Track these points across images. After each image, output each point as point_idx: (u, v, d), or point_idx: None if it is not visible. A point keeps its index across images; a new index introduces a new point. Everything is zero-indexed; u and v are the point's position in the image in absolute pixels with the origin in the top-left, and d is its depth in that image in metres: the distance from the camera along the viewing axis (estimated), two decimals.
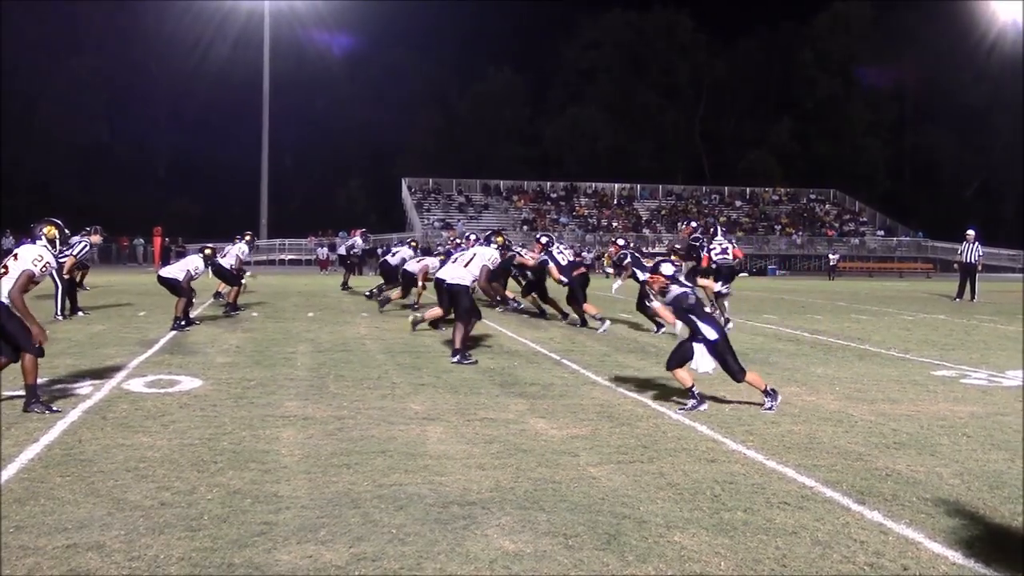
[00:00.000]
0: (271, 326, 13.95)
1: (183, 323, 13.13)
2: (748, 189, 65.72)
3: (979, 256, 24.20)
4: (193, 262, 13.69)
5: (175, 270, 13.73)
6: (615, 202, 63.44)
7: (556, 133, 75.22)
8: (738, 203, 64.40)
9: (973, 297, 23.32)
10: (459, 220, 57.54)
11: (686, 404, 7.34)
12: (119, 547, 3.97)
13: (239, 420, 6.66)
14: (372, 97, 70.63)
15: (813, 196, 66.08)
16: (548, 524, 4.43)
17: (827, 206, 65.34)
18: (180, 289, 13.26)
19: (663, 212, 61.45)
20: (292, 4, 55.72)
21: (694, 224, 15.55)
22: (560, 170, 68.95)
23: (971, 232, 24.09)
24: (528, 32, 79.57)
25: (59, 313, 14.45)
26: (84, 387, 7.88)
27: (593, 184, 64.48)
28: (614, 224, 59.06)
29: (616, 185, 64.69)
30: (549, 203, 62.35)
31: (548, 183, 64.49)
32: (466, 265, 11.31)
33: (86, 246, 15.55)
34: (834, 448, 6.11)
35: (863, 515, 4.66)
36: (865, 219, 63.34)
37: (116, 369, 8.97)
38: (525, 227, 57.88)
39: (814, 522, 4.52)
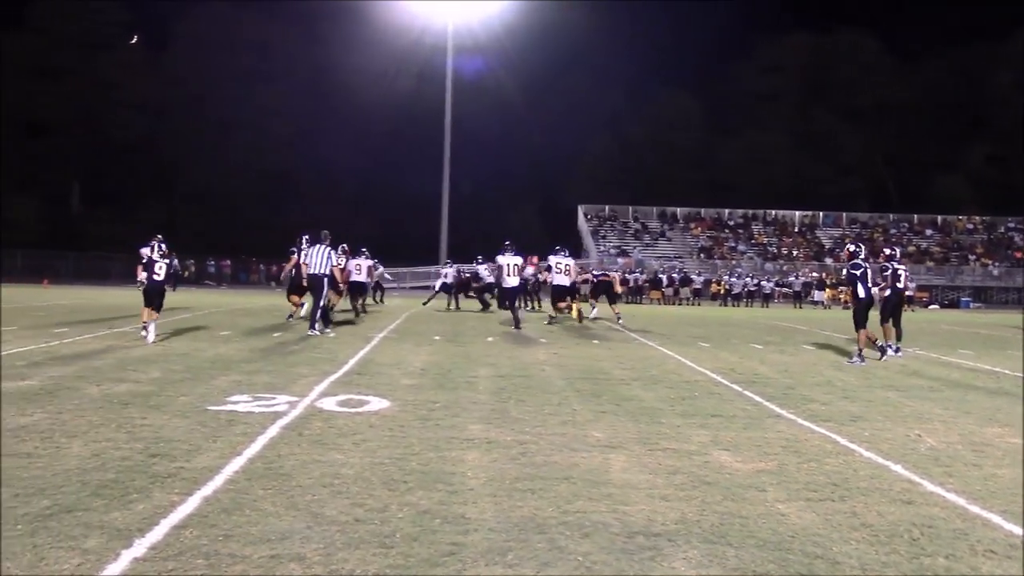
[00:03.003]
0: (452, 349, 14.28)
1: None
2: (939, 217, 62.66)
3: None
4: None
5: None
6: (796, 230, 61.78)
7: (732, 158, 74.09)
8: (928, 232, 61.50)
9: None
10: (635, 248, 57.39)
11: None
12: (318, 559, 4.15)
13: (426, 441, 6.83)
14: (547, 123, 71.59)
15: (1012, 224, 62.32)
16: (736, 560, 4.34)
17: None
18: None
19: (847, 241, 59.36)
20: (474, 35, 57.21)
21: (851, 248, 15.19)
22: (735, 195, 67.72)
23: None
24: (704, 55, 78.89)
25: (315, 326, 16.19)
26: (281, 404, 8.27)
27: (773, 211, 62.93)
28: (795, 253, 57.49)
29: (797, 212, 62.97)
30: (727, 231, 61.30)
31: (726, 211, 63.40)
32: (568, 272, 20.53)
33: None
34: None
35: None
36: None
37: (309, 388, 9.38)
38: (702, 255, 57.12)
39: None
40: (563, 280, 21.27)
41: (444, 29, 54.89)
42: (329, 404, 8.39)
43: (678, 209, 63.35)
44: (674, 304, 42.55)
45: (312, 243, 17.60)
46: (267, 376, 10.30)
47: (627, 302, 42.49)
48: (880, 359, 14.16)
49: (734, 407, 8.98)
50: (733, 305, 42.95)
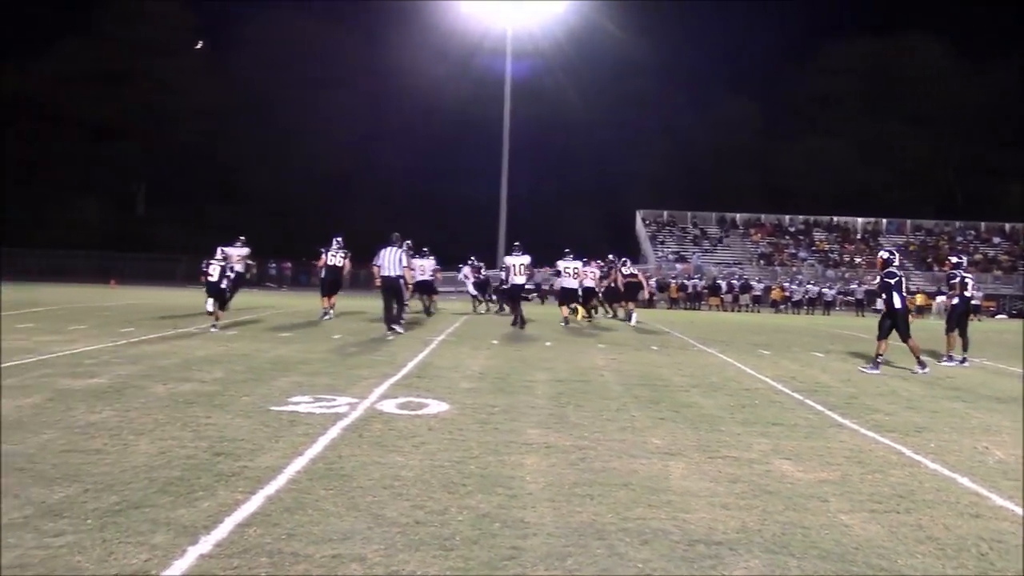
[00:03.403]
0: (510, 353, 14.30)
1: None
2: (1008, 225, 61.22)
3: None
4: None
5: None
6: (858, 237, 60.82)
7: (793, 164, 73.20)
8: (996, 239, 60.12)
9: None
10: (694, 253, 57.00)
11: None
12: (379, 560, 4.18)
13: (484, 445, 6.85)
14: (606, 127, 71.42)
15: None
16: (799, 570, 4.29)
17: None
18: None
19: (911, 248, 58.25)
20: (533, 39, 57.32)
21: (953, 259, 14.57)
22: (797, 202, 66.92)
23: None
24: (764, 59, 78.00)
25: (399, 325, 17.26)
26: (341, 406, 8.35)
27: (834, 218, 62.00)
28: (857, 260, 56.61)
29: (859, 219, 62.00)
30: (787, 237, 60.58)
31: (787, 216, 62.62)
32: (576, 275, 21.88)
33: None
34: None
35: None
36: None
37: (369, 390, 9.46)
38: (762, 261, 56.52)
39: None
40: (571, 283, 22.22)
41: (503, 33, 55.06)
42: (389, 406, 8.45)
43: (737, 215, 62.76)
44: (733, 311, 42.16)
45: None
46: (327, 378, 10.41)
47: (685, 308, 42.22)
48: (871, 371, 13.49)
49: (795, 416, 8.87)
50: (794, 312, 42.45)
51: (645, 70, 74.78)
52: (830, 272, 54.01)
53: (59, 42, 66.81)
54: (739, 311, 42.12)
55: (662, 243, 59.14)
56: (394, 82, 70.11)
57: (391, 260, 17.12)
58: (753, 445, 7.25)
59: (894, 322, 13.63)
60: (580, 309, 23.49)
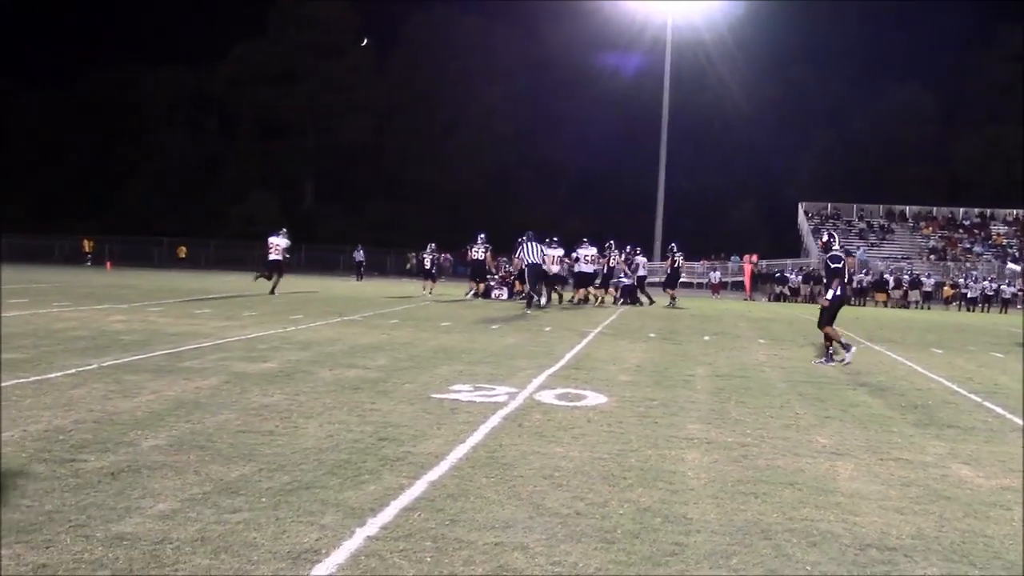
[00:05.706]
0: (668, 347, 14.14)
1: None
2: None
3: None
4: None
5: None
6: None
7: (969, 154, 69.24)
8: None
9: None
10: (859, 247, 54.94)
11: None
12: (541, 550, 4.18)
13: (644, 438, 6.78)
14: (769, 117, 69.49)
15: None
16: None
17: None
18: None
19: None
20: (695, 28, 56.46)
21: None
22: (971, 194, 63.40)
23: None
24: (938, 45, 73.88)
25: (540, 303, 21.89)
26: (501, 395, 8.43)
27: (1015, 211, 58.48)
28: None
29: None
30: (961, 231, 57.59)
31: (961, 209, 59.47)
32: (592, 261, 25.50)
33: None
34: None
35: None
36: None
37: (528, 380, 9.51)
38: (932, 256, 53.96)
39: None
40: (587, 268, 25.21)
41: (664, 23, 54.45)
42: (547, 397, 8.47)
43: (907, 207, 60.05)
44: (901, 307, 40.42)
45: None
46: (487, 367, 10.54)
47: (849, 304, 40.72)
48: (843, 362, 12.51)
49: (973, 418, 8.42)
50: (968, 310, 40.34)
51: (811, 58, 72.56)
52: (1009, 268, 51.02)
53: (238, 46, 70.16)
54: (907, 308, 40.33)
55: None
56: (554, 75, 70.33)
57: (533, 251, 21.48)
58: (927, 448, 6.92)
59: (823, 308, 12.84)
60: (592, 291, 26.11)
